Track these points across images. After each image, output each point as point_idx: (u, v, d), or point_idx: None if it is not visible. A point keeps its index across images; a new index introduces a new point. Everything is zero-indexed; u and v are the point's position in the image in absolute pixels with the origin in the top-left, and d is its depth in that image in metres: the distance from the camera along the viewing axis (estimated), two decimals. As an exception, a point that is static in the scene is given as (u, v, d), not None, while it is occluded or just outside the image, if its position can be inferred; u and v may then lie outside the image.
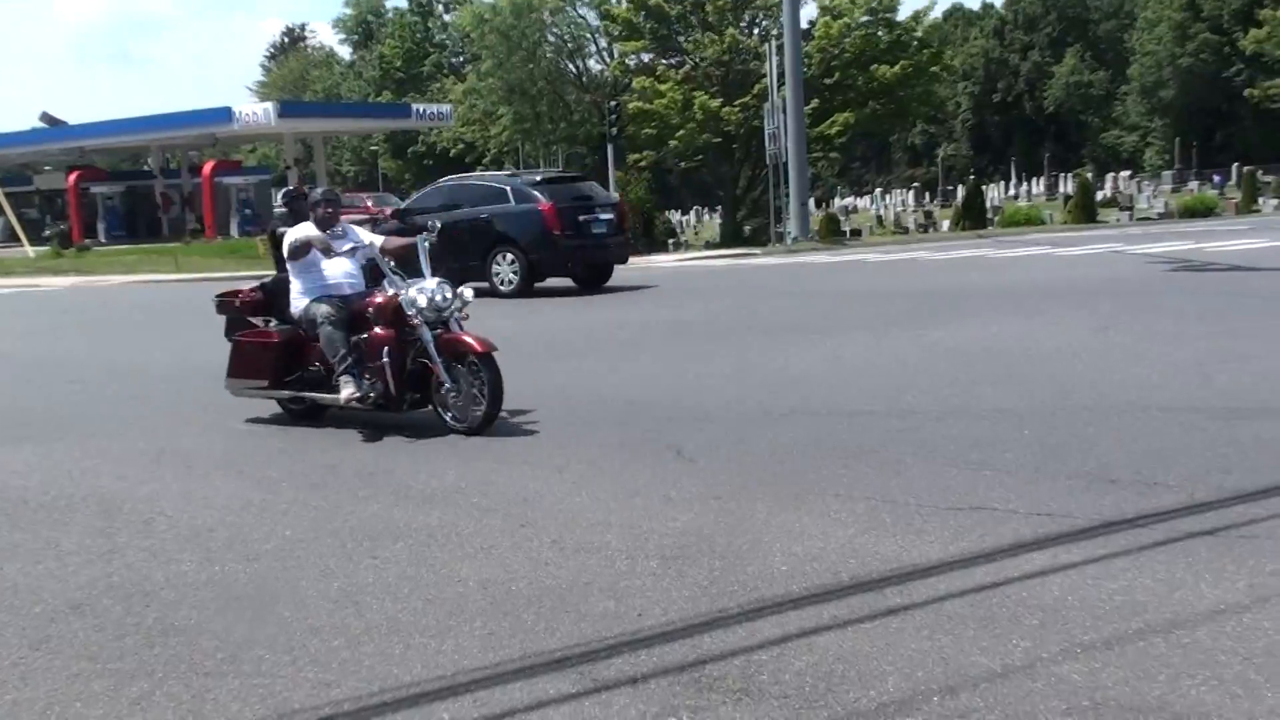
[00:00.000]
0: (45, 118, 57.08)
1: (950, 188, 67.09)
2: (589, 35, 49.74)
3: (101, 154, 59.11)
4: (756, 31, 43.69)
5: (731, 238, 41.25)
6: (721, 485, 6.56)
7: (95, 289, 28.04)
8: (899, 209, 57.01)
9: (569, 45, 49.30)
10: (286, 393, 9.27)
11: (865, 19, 41.81)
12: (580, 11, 48.63)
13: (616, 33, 45.53)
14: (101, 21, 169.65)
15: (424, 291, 8.60)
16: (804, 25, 37.15)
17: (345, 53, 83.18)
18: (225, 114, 47.78)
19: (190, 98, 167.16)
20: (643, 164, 44.96)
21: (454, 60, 67.98)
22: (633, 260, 31.67)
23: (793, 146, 30.64)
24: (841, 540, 5.50)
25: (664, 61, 44.46)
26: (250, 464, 7.89)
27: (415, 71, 68.63)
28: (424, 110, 54.06)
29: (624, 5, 44.20)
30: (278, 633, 4.72)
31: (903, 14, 42.81)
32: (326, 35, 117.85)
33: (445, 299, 8.65)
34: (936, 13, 48.19)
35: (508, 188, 20.10)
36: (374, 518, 6.36)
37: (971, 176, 57.44)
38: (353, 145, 76.45)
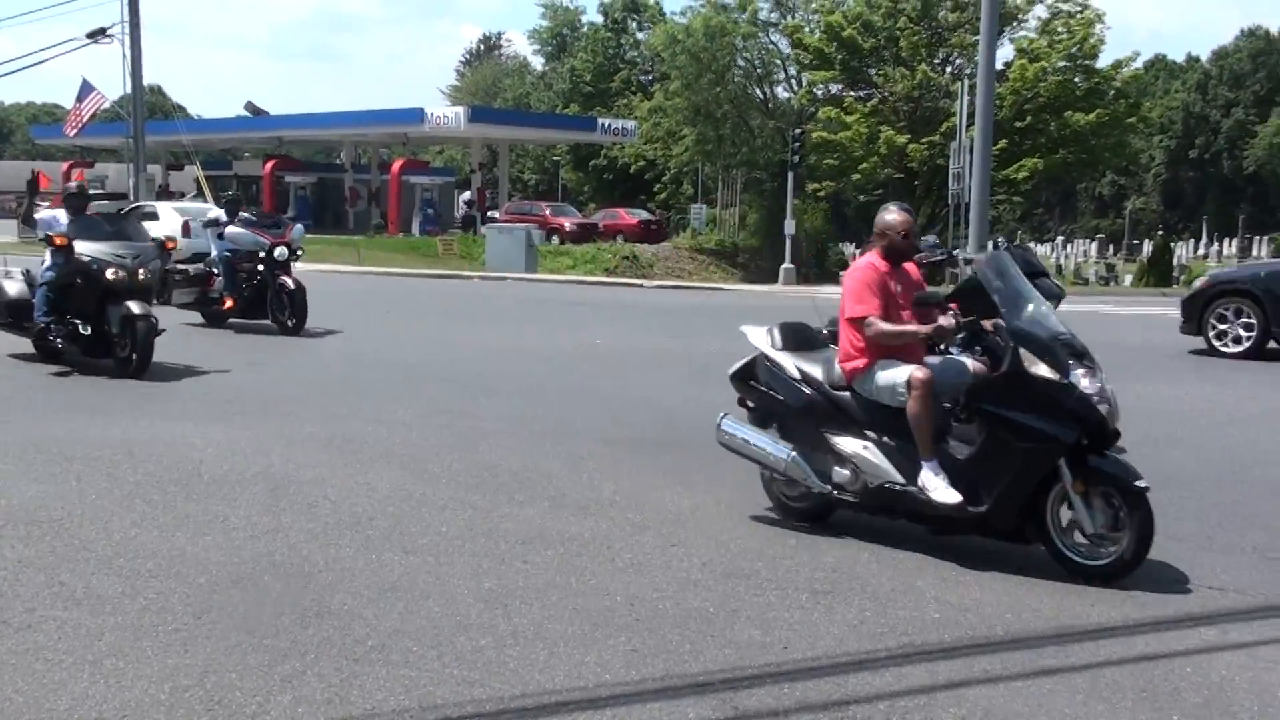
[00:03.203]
0: (250, 107, 59.43)
1: (1136, 242, 64.88)
2: (779, 62, 49.75)
3: (297, 145, 61.34)
4: (949, 70, 43.07)
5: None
6: (876, 525, 6.44)
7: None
8: (1080, 259, 55.48)
9: (758, 71, 49.34)
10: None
11: (1063, 64, 40.86)
12: (772, 38, 48.68)
13: (807, 61, 45.36)
14: (305, 16, 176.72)
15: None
16: (999, 66, 36.42)
17: (538, 63, 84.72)
18: (417, 115, 49.06)
19: (383, 96, 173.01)
20: (821, 194, 44.71)
21: (643, 78, 68.49)
22: (801, 289, 31.53)
23: (976, 187, 30.05)
24: (999, 593, 5.35)
25: (852, 93, 44.14)
26: (413, 457, 8.05)
27: (604, 86, 69.35)
28: (609, 125, 54.69)
29: (817, 35, 44.07)
30: (427, 626, 4.80)
31: (1103, 61, 41.76)
32: (521, 45, 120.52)
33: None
34: (1138, 63, 46.75)
35: None
36: (528, 523, 6.43)
37: (1160, 232, 55.56)
38: (536, 154, 77.84)
